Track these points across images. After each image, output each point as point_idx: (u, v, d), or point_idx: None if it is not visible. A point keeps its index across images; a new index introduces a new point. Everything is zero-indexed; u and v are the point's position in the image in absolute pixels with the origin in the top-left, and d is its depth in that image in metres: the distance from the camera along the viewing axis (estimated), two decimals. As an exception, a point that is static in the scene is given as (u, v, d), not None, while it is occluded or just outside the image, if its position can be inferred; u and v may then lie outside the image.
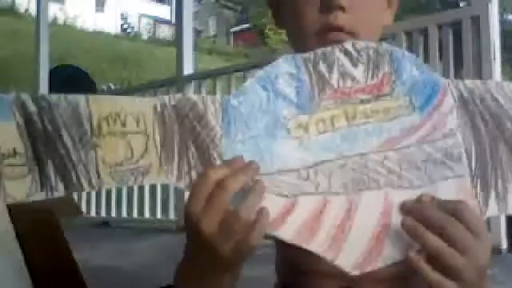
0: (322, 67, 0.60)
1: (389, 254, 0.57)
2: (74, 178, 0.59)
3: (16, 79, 11.76)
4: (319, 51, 0.61)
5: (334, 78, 0.60)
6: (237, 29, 27.95)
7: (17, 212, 0.93)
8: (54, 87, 4.55)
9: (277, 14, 0.84)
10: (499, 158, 0.59)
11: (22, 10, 18.96)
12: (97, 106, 0.60)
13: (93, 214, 4.70)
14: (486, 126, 0.59)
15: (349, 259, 0.57)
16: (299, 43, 0.78)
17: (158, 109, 0.61)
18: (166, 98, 0.61)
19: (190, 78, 3.98)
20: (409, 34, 2.97)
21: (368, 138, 0.59)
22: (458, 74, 3.15)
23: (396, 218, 0.57)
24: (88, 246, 2.93)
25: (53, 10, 14.01)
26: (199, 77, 4.01)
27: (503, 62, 2.88)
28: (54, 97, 0.60)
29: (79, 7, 22.66)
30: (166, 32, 24.83)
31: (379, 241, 0.57)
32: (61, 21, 19.62)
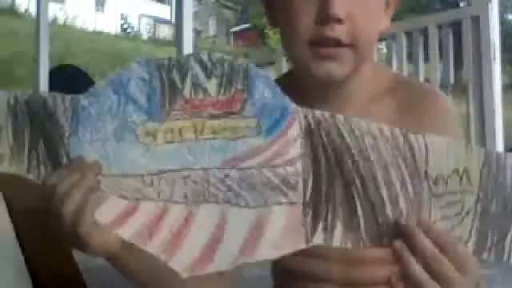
0: (176, 76, 0.60)
1: (217, 263, 0.59)
2: None
3: (16, 79, 11.76)
4: (174, 58, 0.60)
5: (187, 89, 0.60)
6: (237, 29, 27.92)
7: (17, 212, 0.93)
8: (53, 87, 4.54)
9: (269, 12, 0.81)
10: (333, 193, 0.59)
11: (22, 10, 18.95)
12: None
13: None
14: (327, 160, 0.59)
15: (182, 262, 0.59)
16: (290, 49, 0.76)
17: (12, 102, 0.63)
18: (19, 93, 0.63)
19: (190, 77, 3.97)
20: (409, 34, 2.97)
21: (213, 154, 0.60)
22: (458, 74, 3.15)
23: (228, 233, 0.59)
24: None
25: (53, 9, 14.01)
26: (199, 77, 4.00)
27: (503, 61, 2.88)
28: None
29: (79, 7, 22.65)
30: (165, 32, 24.82)
31: (210, 251, 0.59)
32: (61, 21, 19.60)
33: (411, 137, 0.58)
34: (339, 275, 0.81)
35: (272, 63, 3.95)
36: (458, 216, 0.58)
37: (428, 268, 0.56)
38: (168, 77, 0.60)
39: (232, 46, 25.65)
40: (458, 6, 13.80)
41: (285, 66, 3.31)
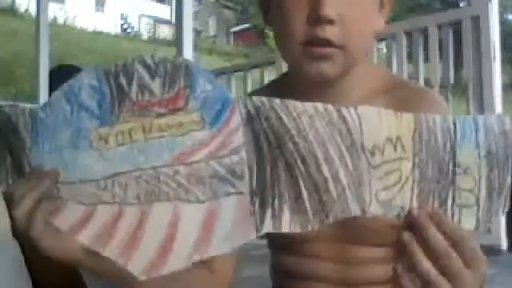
0: (122, 80, 0.61)
1: (173, 262, 0.59)
2: None
3: (16, 79, 11.76)
4: (120, 63, 0.62)
5: (134, 91, 0.61)
6: (237, 29, 27.95)
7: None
8: (53, 87, 4.54)
9: (265, 12, 0.82)
10: (277, 178, 0.59)
11: (22, 10, 18.96)
12: None
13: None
14: (269, 144, 0.59)
15: (138, 265, 0.60)
16: (284, 49, 0.77)
17: None
18: None
19: (190, 77, 3.97)
20: (409, 34, 2.97)
21: (162, 152, 0.60)
22: (458, 74, 3.15)
23: (182, 231, 0.60)
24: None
25: (53, 9, 14.01)
26: (199, 77, 4.00)
27: (503, 60, 2.88)
28: None
29: (79, 7, 22.67)
30: (165, 32, 24.84)
31: (165, 251, 0.59)
32: (61, 21, 19.62)
33: (344, 111, 0.59)
34: (338, 275, 0.81)
35: (272, 63, 3.95)
36: (398, 184, 0.59)
37: (437, 262, 0.55)
38: (116, 81, 0.61)
39: (232, 46, 25.68)
40: (458, 5, 13.81)
41: (285, 66, 3.30)
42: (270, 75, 3.85)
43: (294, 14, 0.72)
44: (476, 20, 2.65)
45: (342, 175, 0.59)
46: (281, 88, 0.85)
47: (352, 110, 0.59)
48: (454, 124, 0.59)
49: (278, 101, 0.60)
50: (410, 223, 0.57)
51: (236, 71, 3.92)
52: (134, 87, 0.61)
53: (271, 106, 0.60)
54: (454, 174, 0.59)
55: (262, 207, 0.59)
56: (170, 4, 26.04)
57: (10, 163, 0.64)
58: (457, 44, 2.78)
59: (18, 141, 0.63)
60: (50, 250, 0.61)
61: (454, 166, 0.59)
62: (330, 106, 0.59)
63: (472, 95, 2.69)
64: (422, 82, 2.90)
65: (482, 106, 2.66)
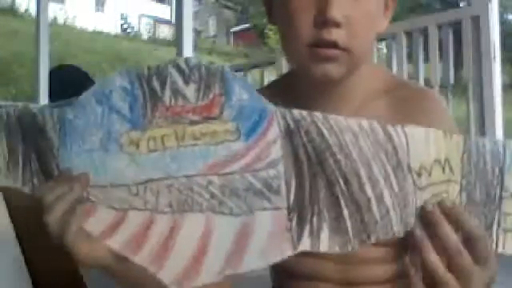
0: (155, 83, 0.60)
1: (206, 275, 0.58)
2: None
3: (16, 79, 11.75)
4: (153, 67, 0.61)
5: (167, 95, 0.60)
6: (237, 29, 27.93)
7: (17, 212, 0.93)
8: (53, 87, 4.54)
9: (269, 11, 0.82)
10: (317, 194, 0.57)
11: (22, 10, 18.94)
12: None
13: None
14: (309, 159, 0.58)
15: (169, 275, 0.59)
16: (289, 50, 0.77)
17: (5, 118, 0.64)
18: (12, 109, 0.64)
19: (190, 77, 3.96)
20: (409, 34, 2.97)
21: (195, 161, 0.59)
22: (458, 74, 3.15)
23: (214, 243, 0.58)
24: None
25: (53, 9, 14.01)
26: (199, 77, 4.00)
27: (503, 60, 2.88)
28: None
29: (79, 7, 22.65)
30: (165, 32, 24.81)
31: (197, 262, 0.58)
32: (61, 21, 19.60)
33: (390, 129, 0.57)
34: (338, 274, 0.81)
35: (272, 63, 3.95)
36: None
37: (447, 258, 0.55)
38: (148, 85, 0.60)
39: (232, 46, 25.66)
40: (458, 6, 13.80)
41: (285, 66, 3.30)
42: (269, 75, 3.85)
43: (301, 15, 0.72)
44: (476, 20, 2.65)
45: (386, 196, 0.57)
46: (282, 88, 0.85)
47: (399, 128, 0.57)
48: (504, 147, 0.58)
49: (319, 115, 0.58)
50: (423, 219, 0.57)
51: (236, 71, 3.91)
52: (168, 92, 0.60)
53: (312, 119, 0.58)
54: (500, 198, 0.58)
55: (300, 224, 0.57)
56: (169, 4, 26.01)
57: (36, 163, 0.63)
58: (457, 44, 2.78)
59: (45, 141, 0.62)
60: (82, 256, 0.60)
61: (501, 190, 0.58)
62: (375, 124, 0.57)
63: (472, 95, 2.69)
64: (421, 81, 2.89)
65: (482, 106, 2.66)
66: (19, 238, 0.90)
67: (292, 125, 0.58)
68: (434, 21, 2.89)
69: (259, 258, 0.58)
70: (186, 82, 0.59)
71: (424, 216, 0.57)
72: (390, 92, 0.80)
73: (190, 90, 0.59)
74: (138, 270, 0.59)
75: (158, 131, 0.60)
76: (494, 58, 2.62)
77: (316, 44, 0.72)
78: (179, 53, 3.98)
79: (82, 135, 0.61)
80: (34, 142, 0.63)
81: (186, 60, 0.60)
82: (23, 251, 0.71)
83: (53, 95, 4.38)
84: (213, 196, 0.59)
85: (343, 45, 0.71)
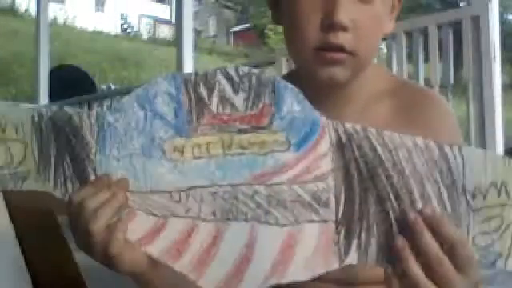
0: (203, 90, 0.59)
1: (247, 284, 0.58)
2: None
3: (16, 79, 11.75)
4: (201, 73, 0.60)
5: (214, 103, 0.59)
6: (237, 29, 27.92)
7: (17, 212, 0.93)
8: (53, 87, 4.54)
9: (274, 12, 0.81)
10: (367, 210, 0.57)
11: (22, 10, 18.94)
12: None
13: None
14: (360, 174, 0.57)
15: (210, 282, 0.58)
16: (295, 52, 0.76)
17: (36, 119, 0.62)
18: (44, 109, 0.63)
19: (190, 78, 3.97)
20: (409, 34, 2.97)
21: (241, 170, 0.58)
22: (458, 74, 3.15)
23: (258, 252, 0.58)
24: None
25: (53, 9, 14.00)
26: (199, 77, 4.00)
27: (503, 60, 2.88)
28: None
29: (79, 7, 22.65)
30: (165, 32, 24.81)
31: (240, 271, 0.58)
32: (61, 21, 19.60)
33: (447, 148, 0.56)
34: (338, 274, 0.81)
35: (272, 63, 3.94)
36: (498, 231, 0.56)
37: (428, 268, 0.55)
38: (195, 91, 0.59)
39: (232, 46, 25.66)
40: (458, 6, 13.80)
41: (285, 66, 3.30)
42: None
43: (307, 18, 0.71)
44: (476, 20, 2.65)
45: None
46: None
47: (456, 149, 0.56)
48: None
49: (373, 130, 0.57)
50: (406, 227, 0.56)
51: (236, 71, 3.91)
52: (215, 99, 0.59)
53: (366, 134, 0.57)
54: None
55: (348, 238, 0.57)
56: (169, 4, 26.01)
57: (70, 167, 0.62)
58: (457, 44, 2.78)
59: (81, 144, 0.61)
60: (123, 264, 0.59)
61: None
62: (431, 143, 0.56)
63: (472, 95, 2.69)
64: (422, 81, 2.89)
65: (482, 105, 2.66)
66: (19, 238, 0.90)
67: (344, 138, 0.57)
68: (434, 21, 2.89)
69: (304, 270, 0.57)
70: (236, 91, 0.59)
71: (406, 225, 0.57)
72: (393, 93, 0.80)
73: (239, 99, 0.59)
74: (171, 278, 0.59)
75: (203, 139, 0.59)
76: (494, 58, 2.62)
77: (322, 48, 0.71)
78: (179, 53, 3.98)
79: (122, 139, 0.60)
80: (68, 144, 0.61)
81: (236, 68, 0.59)
82: (23, 251, 0.71)
83: (53, 95, 4.38)
84: (258, 206, 0.58)
85: (350, 48, 0.71)
